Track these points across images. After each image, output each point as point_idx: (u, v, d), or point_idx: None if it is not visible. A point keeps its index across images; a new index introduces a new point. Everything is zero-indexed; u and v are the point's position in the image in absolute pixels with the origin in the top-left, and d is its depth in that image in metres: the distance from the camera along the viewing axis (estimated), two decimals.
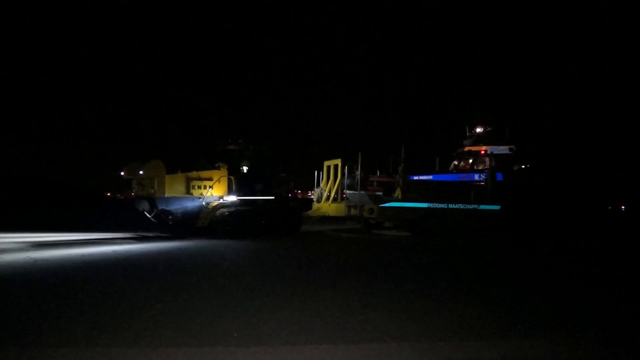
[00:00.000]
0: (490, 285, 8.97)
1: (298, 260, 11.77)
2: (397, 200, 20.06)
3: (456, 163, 28.86)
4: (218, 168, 17.75)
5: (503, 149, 26.15)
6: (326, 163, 22.27)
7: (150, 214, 16.48)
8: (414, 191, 20.72)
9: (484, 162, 26.76)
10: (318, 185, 22.46)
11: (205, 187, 17.11)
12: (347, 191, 20.37)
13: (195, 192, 16.91)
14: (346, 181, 20.45)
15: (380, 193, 21.28)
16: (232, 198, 17.36)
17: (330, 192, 21.39)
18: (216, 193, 17.38)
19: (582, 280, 10.04)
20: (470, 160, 27.86)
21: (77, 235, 15.51)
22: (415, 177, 22.87)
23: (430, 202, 20.11)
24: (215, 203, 17.10)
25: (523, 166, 26.36)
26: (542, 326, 6.08)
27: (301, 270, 10.10)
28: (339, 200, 20.97)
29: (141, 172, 16.41)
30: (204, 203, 16.85)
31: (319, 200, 21.94)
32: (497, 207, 20.89)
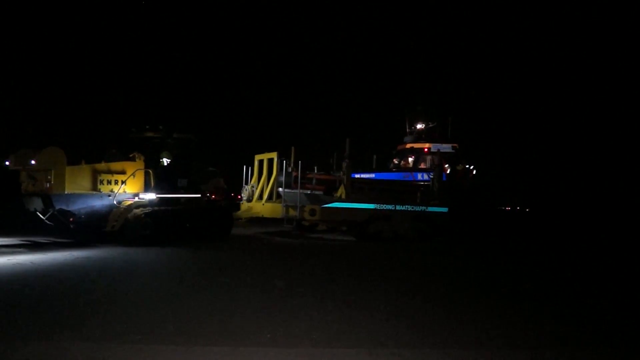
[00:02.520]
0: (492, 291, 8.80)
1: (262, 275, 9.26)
2: (340, 200, 17.93)
3: (396, 161, 27.19)
4: (133, 159, 14.66)
5: (446, 147, 24.66)
6: (257, 157, 19.69)
7: (44, 215, 13.14)
8: (358, 191, 18.73)
9: (427, 161, 25.31)
10: (247, 182, 19.81)
11: (116, 183, 13.97)
12: (284, 189, 17.92)
13: (104, 189, 13.74)
14: (283, 178, 17.98)
15: (320, 192, 19.10)
16: (150, 196, 14.36)
17: (263, 190, 18.85)
18: (130, 190, 14.30)
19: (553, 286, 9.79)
20: (411, 159, 26.33)
21: None
22: (357, 175, 20.87)
23: (377, 203, 18.19)
24: (129, 202, 14.02)
25: (468, 166, 25.08)
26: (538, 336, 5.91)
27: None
28: (274, 199, 18.47)
29: (33, 162, 13.02)
30: (115, 202, 13.72)
31: (249, 200, 19.28)
32: (445, 210, 19.40)
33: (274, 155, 18.64)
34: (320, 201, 18.04)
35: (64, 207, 12.91)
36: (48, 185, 12.77)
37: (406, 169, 25.25)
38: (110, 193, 13.76)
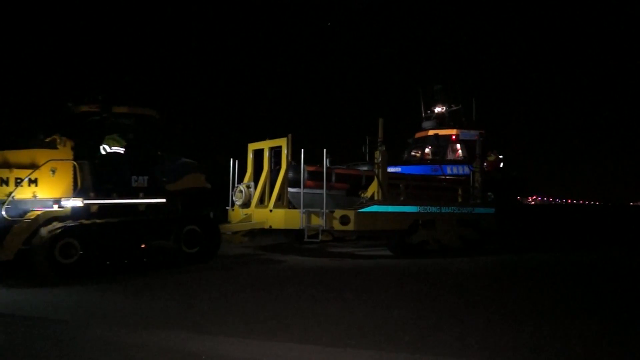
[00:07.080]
0: None
1: None
2: (376, 202, 12.60)
3: (415, 152, 22.87)
4: (53, 145, 9.44)
5: (473, 134, 21.02)
6: (252, 146, 14.42)
7: None
8: (392, 189, 13.51)
9: (456, 150, 21.56)
10: (239, 181, 14.38)
11: (19, 182, 8.75)
12: (302, 190, 12.59)
13: None
14: (303, 175, 12.68)
15: (342, 191, 13.78)
16: (74, 202, 9.08)
17: (264, 190, 13.51)
18: (47, 194, 9.06)
19: None
20: (428, 149, 22.44)
21: None
22: None
23: (420, 205, 13.44)
24: (36, 212, 8.77)
25: (501, 156, 21.64)
26: None
27: None
28: (284, 203, 13.08)
29: None
30: (4, 214, 8.46)
31: (246, 205, 13.83)
32: (491, 211, 15.44)
33: (282, 142, 13.30)
34: (339, 204, 12.85)
35: None
36: None
37: (432, 161, 21.55)
38: (6, 199, 8.53)
